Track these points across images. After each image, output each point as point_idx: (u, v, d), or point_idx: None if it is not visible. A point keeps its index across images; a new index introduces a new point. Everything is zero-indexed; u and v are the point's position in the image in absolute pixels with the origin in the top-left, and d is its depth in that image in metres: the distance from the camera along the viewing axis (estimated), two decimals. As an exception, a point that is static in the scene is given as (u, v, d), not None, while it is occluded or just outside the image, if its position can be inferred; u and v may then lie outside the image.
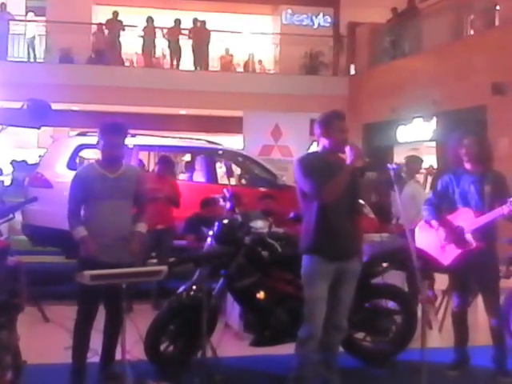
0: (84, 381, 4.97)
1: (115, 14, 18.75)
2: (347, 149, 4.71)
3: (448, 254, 5.53)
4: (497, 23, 13.50)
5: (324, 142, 4.85)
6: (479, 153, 5.52)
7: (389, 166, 4.71)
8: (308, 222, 4.79)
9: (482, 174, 5.48)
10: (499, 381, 5.48)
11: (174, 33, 18.74)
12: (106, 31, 18.76)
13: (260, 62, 20.82)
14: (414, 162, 8.71)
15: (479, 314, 6.94)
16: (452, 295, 5.85)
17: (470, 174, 5.52)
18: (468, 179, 5.51)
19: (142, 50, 19.07)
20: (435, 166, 14.63)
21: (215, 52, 19.76)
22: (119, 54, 18.91)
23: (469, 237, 5.39)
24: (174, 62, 18.90)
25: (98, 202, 4.95)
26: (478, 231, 5.36)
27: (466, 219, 5.43)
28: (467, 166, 5.57)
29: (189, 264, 5.86)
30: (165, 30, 18.85)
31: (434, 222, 5.62)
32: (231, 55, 20.03)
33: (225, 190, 6.82)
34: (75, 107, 18.65)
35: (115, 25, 18.59)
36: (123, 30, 18.64)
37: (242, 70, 20.34)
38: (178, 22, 18.90)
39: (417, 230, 5.85)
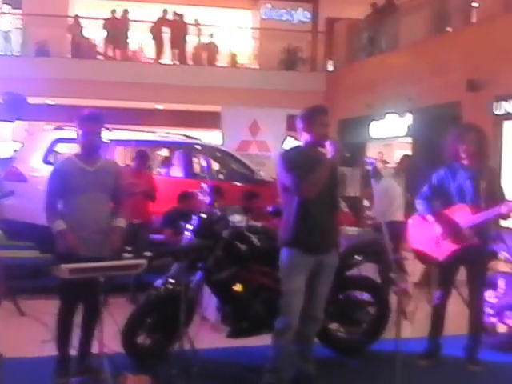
0: (69, 370, 4.99)
1: (113, 12, 18.71)
2: (328, 144, 4.75)
3: (443, 249, 5.58)
4: (473, 20, 13.62)
5: (305, 136, 4.89)
6: (479, 150, 5.55)
7: (366, 159, 4.77)
8: (288, 215, 4.83)
9: (478, 170, 5.50)
10: (469, 369, 5.63)
11: (157, 25, 18.72)
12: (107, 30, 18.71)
13: (256, 56, 20.66)
14: (406, 160, 9.01)
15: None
16: (436, 288, 5.92)
17: (467, 169, 5.55)
18: (464, 175, 5.54)
19: (116, 43, 18.95)
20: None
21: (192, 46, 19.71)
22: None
23: (466, 232, 5.44)
24: (150, 55, 18.88)
25: (76, 196, 4.95)
26: (473, 228, 5.41)
27: (463, 215, 5.46)
28: (464, 161, 5.59)
29: (167, 258, 5.90)
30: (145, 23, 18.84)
31: (429, 217, 5.65)
32: (215, 44, 19.72)
33: (204, 185, 6.86)
34: (51, 101, 18.52)
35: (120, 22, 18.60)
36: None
37: (222, 64, 20.26)
38: (165, 12, 18.89)
39: (410, 222, 5.93)
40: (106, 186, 5.07)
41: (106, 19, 18.76)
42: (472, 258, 5.50)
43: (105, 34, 18.92)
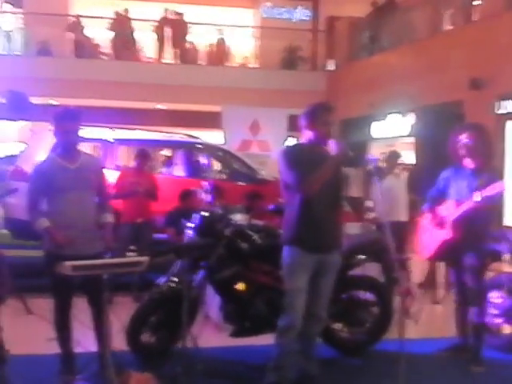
0: (75, 367, 5.02)
1: (118, 12, 18.67)
2: (332, 142, 4.68)
3: (431, 244, 5.72)
4: (474, 18, 13.61)
5: (309, 134, 4.84)
6: (479, 148, 5.58)
7: (369, 157, 4.77)
8: (290, 213, 4.79)
9: (478, 170, 5.54)
10: (472, 370, 5.64)
11: (160, 25, 18.71)
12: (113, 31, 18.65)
13: (256, 55, 20.53)
14: (393, 157, 9.01)
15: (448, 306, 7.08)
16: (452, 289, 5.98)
17: (468, 168, 5.60)
18: (464, 174, 5.60)
19: (122, 43, 18.93)
20: (408, 162, 14.58)
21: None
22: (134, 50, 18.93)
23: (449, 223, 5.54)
24: (151, 55, 18.89)
25: (60, 194, 4.91)
26: (457, 222, 5.48)
27: (449, 210, 5.57)
28: (466, 160, 5.63)
29: (169, 255, 5.93)
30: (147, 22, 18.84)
31: (425, 211, 5.83)
32: (223, 41, 19.59)
33: (206, 183, 6.88)
34: (54, 101, 18.55)
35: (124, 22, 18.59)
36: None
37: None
38: (167, 11, 18.87)
39: (421, 222, 6.02)
40: (88, 182, 5.02)
41: (112, 19, 18.65)
42: (461, 255, 5.56)
43: (106, 33, 18.83)
